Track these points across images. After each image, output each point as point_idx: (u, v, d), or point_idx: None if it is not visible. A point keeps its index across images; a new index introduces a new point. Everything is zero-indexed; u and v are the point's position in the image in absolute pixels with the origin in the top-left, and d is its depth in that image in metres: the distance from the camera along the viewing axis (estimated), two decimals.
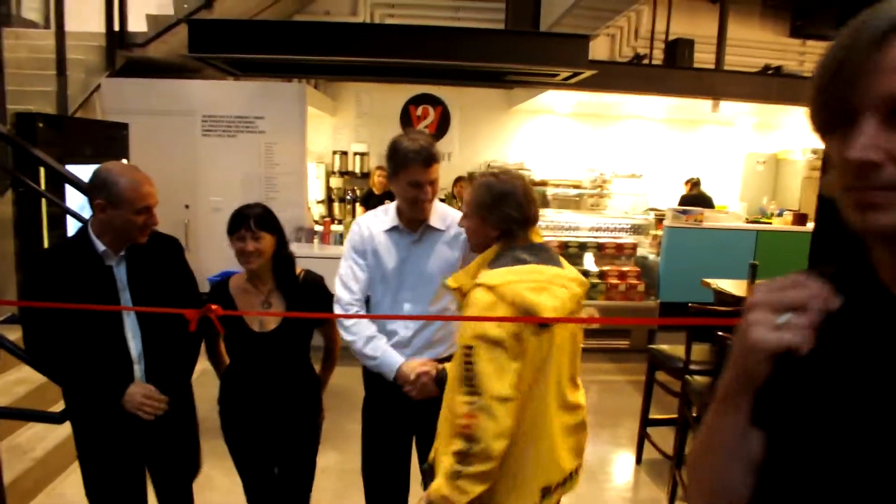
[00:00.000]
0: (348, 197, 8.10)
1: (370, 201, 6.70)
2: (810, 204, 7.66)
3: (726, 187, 9.20)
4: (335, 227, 6.28)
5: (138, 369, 2.18)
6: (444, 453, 1.68)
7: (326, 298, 2.40)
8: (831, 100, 0.69)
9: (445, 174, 4.81)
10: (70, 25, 5.36)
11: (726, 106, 7.33)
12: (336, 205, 8.32)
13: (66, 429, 3.28)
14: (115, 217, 2.08)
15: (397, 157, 2.19)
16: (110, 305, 2.11)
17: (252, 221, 2.22)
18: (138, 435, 2.20)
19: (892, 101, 0.64)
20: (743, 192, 9.12)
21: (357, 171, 8.41)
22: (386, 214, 2.36)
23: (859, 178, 0.67)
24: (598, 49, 8.85)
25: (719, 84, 6.88)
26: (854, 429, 0.71)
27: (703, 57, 7.95)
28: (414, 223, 2.32)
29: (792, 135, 9.09)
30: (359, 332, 2.28)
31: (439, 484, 1.62)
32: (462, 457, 1.59)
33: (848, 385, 0.73)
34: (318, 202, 8.19)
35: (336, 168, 8.45)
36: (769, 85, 7.17)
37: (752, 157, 9.20)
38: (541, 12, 6.04)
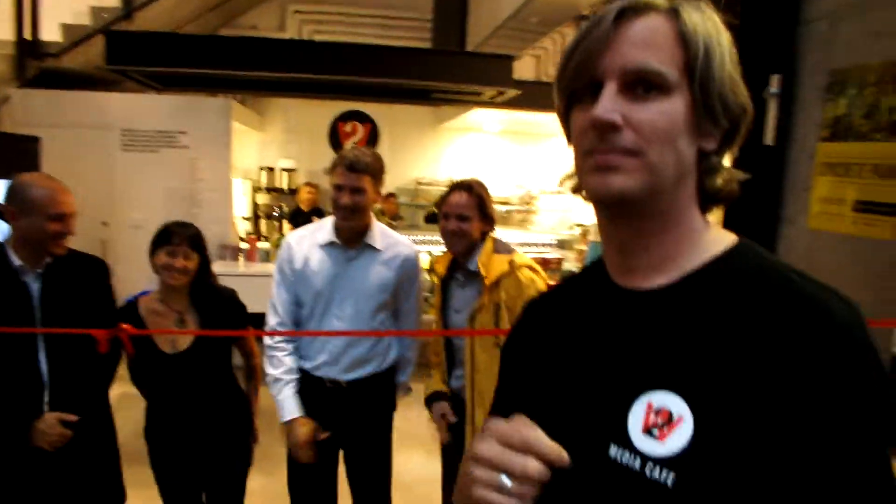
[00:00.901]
0: (275, 213, 7.98)
1: (298, 218, 6.62)
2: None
3: None
4: (261, 245, 6.17)
5: (46, 394, 2.08)
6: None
7: (241, 311, 2.36)
8: (579, 73, 0.74)
9: None
10: None
11: None
12: (262, 221, 8.18)
13: None
14: (27, 226, 2.02)
15: (332, 163, 2.24)
16: (19, 324, 2.01)
17: (185, 239, 2.18)
18: (54, 465, 2.10)
19: (627, 72, 0.71)
20: None
21: (284, 187, 8.30)
22: (321, 230, 2.34)
23: (601, 139, 0.71)
24: (525, 69, 9.07)
25: None
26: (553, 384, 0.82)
27: None
28: (351, 239, 2.30)
29: None
30: (272, 369, 2.31)
31: None
32: None
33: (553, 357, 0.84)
34: (244, 219, 8.03)
35: (263, 184, 8.32)
36: None
37: None
38: (467, 32, 6.15)
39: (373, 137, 8.51)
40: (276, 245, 6.28)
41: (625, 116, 0.70)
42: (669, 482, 0.66)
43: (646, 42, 0.71)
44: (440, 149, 9.11)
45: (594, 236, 6.44)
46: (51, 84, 5.88)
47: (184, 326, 2.25)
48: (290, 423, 2.26)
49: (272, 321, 2.34)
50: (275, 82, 5.71)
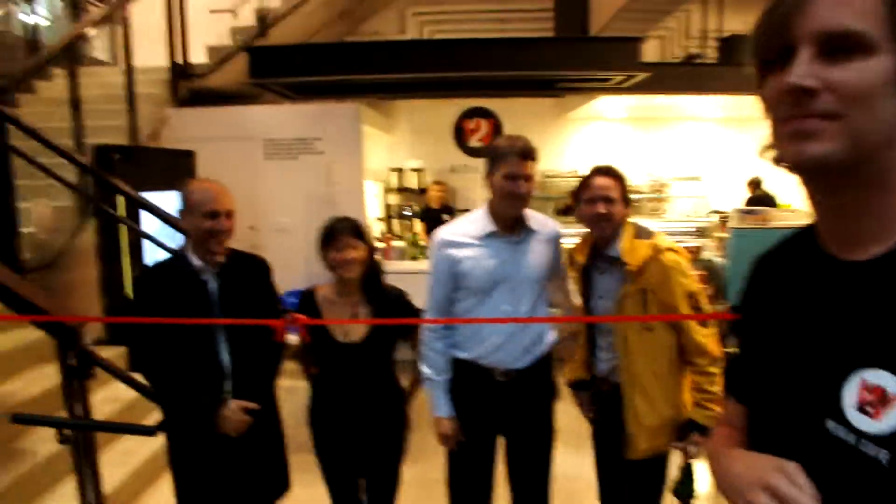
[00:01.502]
0: (406, 213, 8.19)
1: (429, 216, 6.77)
2: None
3: (790, 185, 8.91)
4: (396, 244, 6.36)
5: (228, 384, 2.26)
6: (672, 394, 2.19)
7: (410, 311, 2.47)
8: (772, 37, 0.73)
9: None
10: (136, 61, 5.62)
11: None
12: (395, 221, 8.42)
13: (150, 446, 3.41)
14: (190, 226, 2.23)
15: (494, 154, 2.26)
16: (202, 319, 2.21)
17: (347, 231, 2.32)
18: (229, 450, 2.27)
19: (823, 35, 0.69)
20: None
21: (414, 186, 8.51)
22: (474, 223, 2.34)
23: (796, 104, 0.70)
24: (649, 51, 8.75)
25: None
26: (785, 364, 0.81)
27: None
28: (510, 226, 2.31)
29: None
30: (425, 368, 2.41)
31: (715, 408, 2.08)
32: (715, 373, 2.12)
33: (783, 338, 0.82)
34: (378, 219, 8.31)
35: (393, 185, 8.57)
36: None
37: None
38: (590, 17, 6.02)
39: (496, 133, 8.53)
40: (411, 243, 6.46)
41: (822, 80, 0.68)
42: (884, 460, 0.66)
43: (842, 0, 0.69)
44: (563, 140, 8.98)
45: (735, 223, 6.11)
46: (200, 102, 6.38)
47: (359, 318, 2.37)
48: (441, 420, 2.37)
49: (429, 316, 2.41)
50: (400, 84, 5.87)
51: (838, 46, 0.68)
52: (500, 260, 2.29)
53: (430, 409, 2.40)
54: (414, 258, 6.12)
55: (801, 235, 0.88)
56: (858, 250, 0.75)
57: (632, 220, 2.29)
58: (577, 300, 2.49)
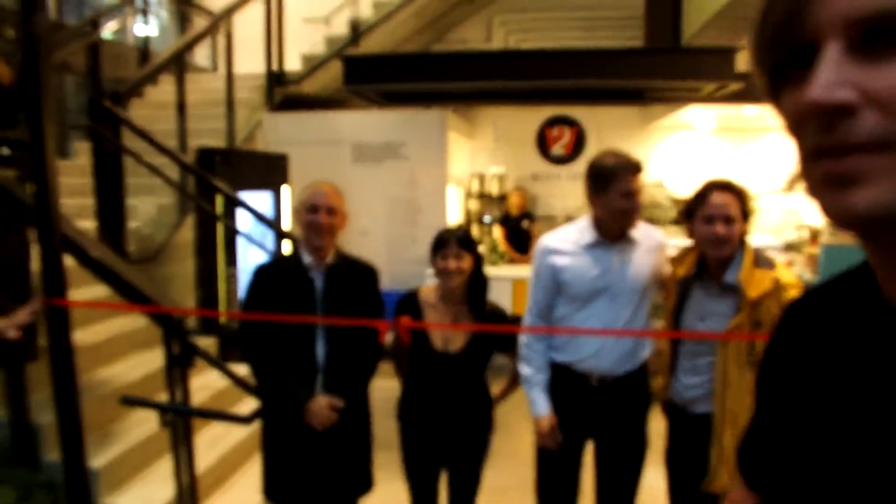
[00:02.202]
0: (485, 219, 8.25)
1: (509, 222, 6.81)
2: None
3: None
4: None
5: (320, 379, 2.38)
6: None
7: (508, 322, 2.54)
8: (782, 30, 0.51)
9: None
10: (235, 69, 5.93)
11: None
12: (474, 226, 8.49)
13: (239, 434, 3.60)
14: (298, 221, 2.43)
15: (605, 173, 2.27)
16: (306, 314, 2.33)
17: (456, 241, 2.38)
18: (318, 443, 2.37)
19: (857, 21, 0.46)
20: None
21: (494, 193, 8.56)
22: (581, 232, 2.39)
23: (827, 129, 0.48)
24: (741, 60, 8.50)
25: None
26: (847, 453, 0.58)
27: None
28: (615, 237, 2.34)
29: None
30: (525, 367, 2.44)
31: None
32: None
33: (844, 416, 0.59)
34: (459, 224, 8.41)
35: (474, 190, 8.64)
36: None
37: None
38: (682, 25, 5.91)
39: (579, 141, 8.48)
40: (490, 249, 6.52)
41: (861, 89, 0.46)
42: None
43: None
44: (648, 149, 8.82)
45: (827, 238, 5.85)
46: (293, 107, 6.66)
47: (457, 328, 2.44)
48: (540, 418, 2.39)
49: (528, 321, 2.46)
50: (486, 92, 5.94)
51: (880, 37, 0.46)
52: (602, 270, 2.32)
53: (528, 409, 2.45)
54: (493, 264, 6.17)
55: (854, 281, 0.65)
56: None
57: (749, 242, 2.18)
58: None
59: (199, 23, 6.73)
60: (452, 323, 2.44)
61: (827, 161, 0.49)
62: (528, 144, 8.41)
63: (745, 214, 2.10)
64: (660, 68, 5.06)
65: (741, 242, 2.11)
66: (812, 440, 0.61)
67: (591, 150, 8.45)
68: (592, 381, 2.36)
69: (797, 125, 0.51)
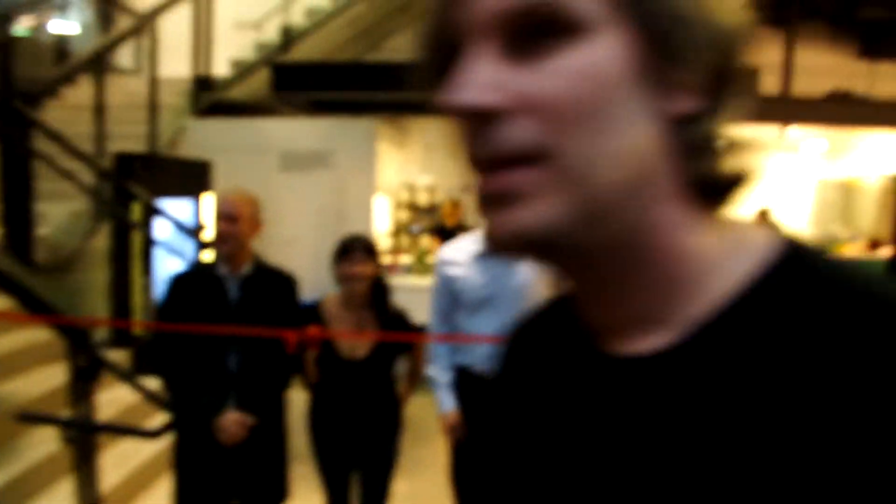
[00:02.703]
0: (415, 229, 8.28)
1: (443, 234, 6.87)
2: (886, 230, 7.39)
3: (797, 215, 8.95)
4: (402, 259, 6.44)
5: (232, 392, 2.34)
6: None
7: (411, 330, 2.62)
8: (434, 37, 0.46)
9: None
10: (160, 71, 5.77)
11: (794, 132, 7.18)
12: (403, 237, 8.51)
13: (149, 449, 3.49)
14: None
15: None
16: (219, 324, 2.29)
17: (358, 248, 2.45)
18: (230, 456, 2.34)
19: (512, 16, 0.41)
20: (815, 219, 8.86)
21: (424, 204, 8.60)
22: (473, 243, 2.57)
23: (477, 140, 0.42)
24: None
25: (787, 110, 6.76)
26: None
27: (769, 81, 7.82)
28: None
29: (865, 160, 8.81)
30: (431, 369, 2.63)
31: None
32: None
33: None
34: (387, 234, 8.41)
35: (404, 201, 8.66)
36: (839, 109, 7.00)
37: (823, 183, 8.94)
38: None
39: None
40: (419, 259, 6.53)
41: (512, 93, 0.41)
42: None
43: None
44: None
45: None
46: (220, 113, 6.52)
47: (361, 333, 2.50)
48: (447, 414, 2.58)
49: (432, 326, 2.65)
50: (415, 103, 5.98)
51: (532, 33, 0.40)
52: (489, 279, 2.49)
53: (437, 407, 2.62)
54: (421, 274, 6.20)
55: (559, 309, 0.58)
56: (633, 342, 0.47)
57: None
58: None
59: (124, 23, 6.52)
60: (356, 329, 2.49)
61: (480, 175, 0.43)
62: (460, 155, 8.49)
63: None
64: None
65: None
66: (517, 474, 0.56)
67: None
68: (486, 380, 2.54)
69: (457, 134, 0.45)
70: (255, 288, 2.39)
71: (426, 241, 7.18)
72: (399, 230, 8.59)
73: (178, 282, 2.43)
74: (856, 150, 8.83)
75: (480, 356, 2.53)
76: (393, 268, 6.20)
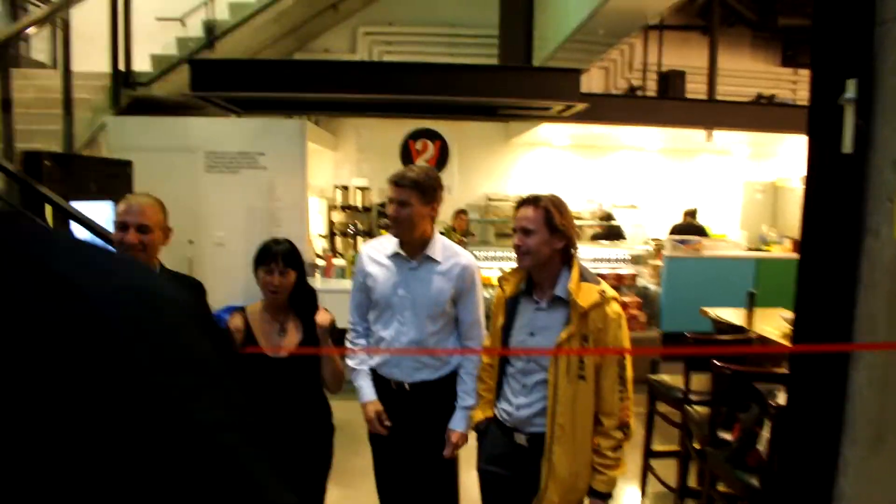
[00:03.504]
0: (349, 231, 8.17)
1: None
2: None
3: (726, 216, 9.27)
4: (337, 261, 6.34)
5: None
6: (590, 449, 2.14)
7: (333, 328, 2.51)
8: None
9: (446, 207, 4.88)
10: (77, 66, 5.48)
11: (721, 135, 7.44)
12: (338, 239, 8.39)
13: None
14: (113, 237, 2.24)
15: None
16: None
17: (280, 257, 2.35)
18: None
19: None
20: (743, 220, 9.19)
21: (359, 205, 8.50)
22: (391, 242, 2.52)
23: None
24: (594, 82, 9.02)
25: (712, 114, 6.99)
26: None
27: (698, 87, 8.09)
28: (411, 251, 2.47)
29: (789, 162, 9.22)
30: (351, 362, 2.59)
31: (609, 474, 2.13)
32: (623, 440, 2.13)
33: None
34: (321, 236, 8.27)
35: (338, 202, 8.54)
36: (763, 114, 7.30)
37: (749, 185, 9.30)
38: (533, 47, 6.18)
39: (443, 154, 8.61)
40: (352, 262, 6.44)
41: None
42: None
43: None
44: (510, 164, 9.14)
45: (669, 251, 6.31)
46: (142, 111, 6.25)
47: (285, 335, 2.43)
48: (365, 404, 2.52)
49: (350, 320, 2.61)
50: (348, 103, 5.89)
51: None
52: (397, 281, 2.47)
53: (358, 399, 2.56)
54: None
55: None
56: None
57: (577, 253, 2.24)
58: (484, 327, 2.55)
59: (34, 13, 6.16)
60: (280, 329, 2.43)
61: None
62: (393, 156, 8.42)
63: (553, 229, 2.13)
64: (511, 86, 5.25)
65: (564, 258, 2.18)
66: None
67: (454, 164, 8.60)
68: (392, 385, 2.51)
69: None
70: None
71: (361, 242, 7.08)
72: (334, 232, 8.47)
73: None
74: (780, 153, 9.22)
75: (383, 360, 2.51)
76: (328, 271, 6.09)
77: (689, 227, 7.93)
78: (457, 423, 2.48)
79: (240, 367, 0.43)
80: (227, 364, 0.44)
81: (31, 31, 5.24)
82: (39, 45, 7.39)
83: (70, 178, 4.34)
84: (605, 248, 6.91)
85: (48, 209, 3.88)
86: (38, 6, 6.49)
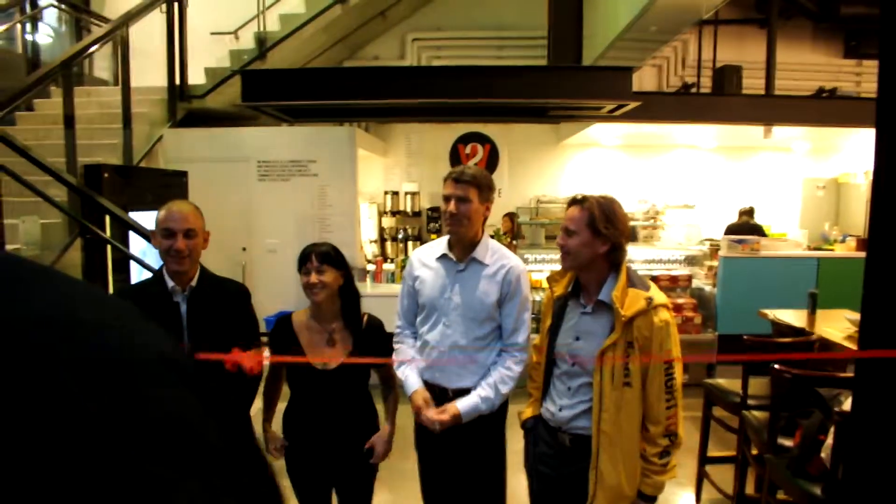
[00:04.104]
0: (399, 236, 8.21)
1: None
2: None
3: (785, 214, 8.94)
4: (387, 266, 6.38)
5: None
6: (637, 455, 2.09)
7: (386, 341, 2.52)
8: None
9: (496, 210, 4.84)
10: (135, 81, 5.68)
11: (780, 131, 7.18)
12: (388, 244, 8.45)
13: None
14: (156, 244, 2.25)
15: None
16: None
17: (315, 256, 2.35)
18: None
19: None
20: (803, 218, 8.85)
21: (408, 210, 8.54)
22: (440, 245, 2.52)
23: None
24: (646, 80, 8.83)
25: (770, 109, 6.75)
26: None
27: (755, 83, 7.83)
28: (461, 253, 2.45)
29: (852, 158, 8.81)
30: (397, 356, 2.56)
31: (656, 479, 2.07)
32: (670, 447, 2.07)
33: None
34: (372, 241, 8.34)
35: (388, 207, 8.60)
36: (824, 108, 7.01)
37: (810, 182, 8.94)
38: (583, 46, 6.09)
39: (493, 157, 8.58)
40: (402, 266, 6.47)
41: None
42: None
43: None
44: (560, 166, 9.03)
45: (725, 252, 6.12)
46: (197, 123, 6.44)
47: (334, 345, 2.40)
48: (413, 394, 2.47)
49: (397, 322, 2.61)
50: (398, 108, 5.92)
51: None
52: (443, 283, 2.44)
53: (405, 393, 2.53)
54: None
55: None
56: None
57: (626, 256, 2.16)
58: (527, 334, 2.49)
59: (96, 31, 6.42)
60: (328, 340, 2.39)
61: None
62: (442, 161, 8.45)
63: (596, 231, 2.07)
64: (561, 86, 5.17)
65: (610, 261, 2.11)
66: None
67: (504, 167, 8.57)
68: (436, 391, 2.47)
69: None
70: (205, 301, 2.29)
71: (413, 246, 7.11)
72: (384, 237, 8.53)
73: (128, 298, 2.34)
74: (843, 149, 8.84)
75: (436, 365, 2.46)
76: (378, 275, 6.13)
77: (746, 227, 7.67)
78: (461, 403, 2.39)
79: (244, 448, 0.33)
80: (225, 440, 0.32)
81: (93, 49, 5.43)
82: (101, 62, 7.70)
83: (128, 189, 4.49)
84: (659, 250, 6.74)
85: (107, 220, 4.02)
86: (100, 25, 6.75)
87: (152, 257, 4.06)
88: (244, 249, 6.11)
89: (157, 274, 2.36)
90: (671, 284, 6.22)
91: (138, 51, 5.74)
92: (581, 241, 2.08)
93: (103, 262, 4.14)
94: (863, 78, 9.07)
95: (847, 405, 2.29)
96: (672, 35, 6.39)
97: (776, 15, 7.94)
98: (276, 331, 2.46)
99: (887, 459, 1.69)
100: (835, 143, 8.53)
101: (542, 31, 7.36)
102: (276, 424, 2.51)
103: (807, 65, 9.02)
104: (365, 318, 2.48)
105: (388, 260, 7.37)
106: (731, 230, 7.63)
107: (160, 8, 6.06)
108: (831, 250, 6.77)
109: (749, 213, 8.04)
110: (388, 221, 8.60)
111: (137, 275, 4.23)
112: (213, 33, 7.61)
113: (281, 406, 2.54)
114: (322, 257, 2.35)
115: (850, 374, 2.66)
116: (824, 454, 2.39)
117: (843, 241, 7.10)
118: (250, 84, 5.19)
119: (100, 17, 7.53)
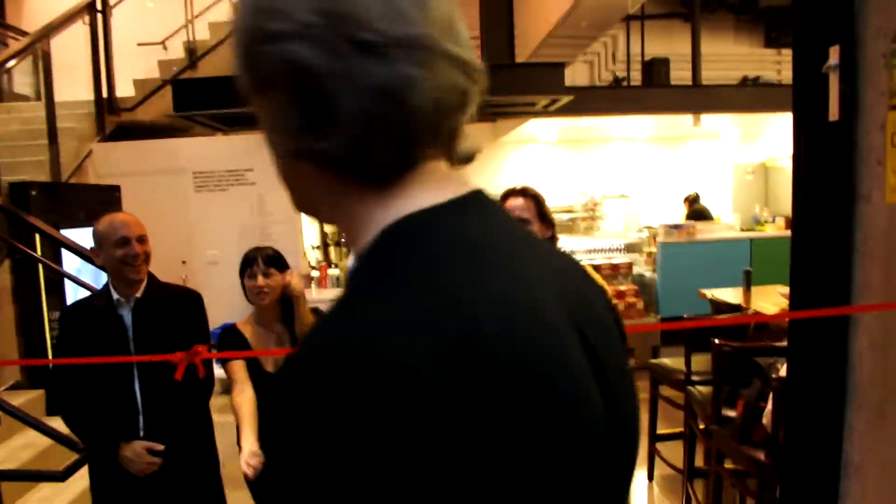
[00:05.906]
0: (343, 240, 8.15)
1: None
2: None
3: (718, 199, 9.27)
4: (332, 272, 6.33)
5: (140, 421, 2.20)
6: None
7: None
8: None
9: None
10: (60, 96, 5.47)
11: (708, 119, 7.45)
12: (332, 248, 8.38)
13: (69, 493, 3.27)
14: (104, 260, 2.20)
15: None
16: (116, 354, 2.16)
17: (262, 259, 2.32)
18: (154, 489, 2.20)
19: None
20: (735, 202, 9.20)
21: None
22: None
23: None
24: (579, 76, 9.03)
25: (698, 98, 7.00)
26: None
27: (683, 74, 8.11)
28: None
29: (778, 142, 9.21)
30: None
31: None
32: None
33: None
34: (315, 247, 8.25)
35: None
36: (748, 95, 7.31)
37: (739, 167, 9.31)
38: (515, 45, 6.19)
39: None
40: (346, 270, 6.43)
41: None
42: None
43: None
44: (499, 163, 9.13)
45: (663, 238, 6.31)
46: (128, 136, 6.24)
47: (284, 346, 2.37)
48: None
49: None
50: None
51: None
52: None
53: None
54: None
55: None
56: None
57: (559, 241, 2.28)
58: None
59: (14, 45, 6.16)
60: (277, 343, 2.37)
61: None
62: None
63: (543, 217, 2.18)
64: (495, 83, 5.22)
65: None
66: None
67: None
68: None
69: None
70: (151, 310, 2.25)
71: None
72: (327, 242, 8.46)
73: (71, 315, 2.31)
74: (768, 134, 9.22)
75: None
76: (322, 281, 6.08)
77: (700, 213, 7.92)
78: None
79: None
80: None
81: (11, 64, 5.21)
82: (22, 78, 7.38)
83: (58, 206, 4.33)
84: (599, 239, 6.91)
85: (37, 239, 3.87)
86: (17, 39, 6.48)
87: (88, 274, 3.93)
88: (184, 263, 5.95)
89: (104, 288, 2.31)
90: (613, 272, 6.38)
91: (62, 64, 5.53)
92: (535, 229, 2.14)
93: (35, 282, 3.98)
94: (783, 66, 9.50)
95: (783, 371, 2.40)
96: (602, 30, 6.57)
97: (699, 8, 8.24)
98: (226, 341, 2.40)
99: (822, 418, 1.78)
100: (761, 128, 8.89)
101: (473, 30, 7.45)
102: (233, 440, 2.47)
103: (731, 55, 9.39)
104: (312, 315, 2.45)
105: (333, 265, 7.32)
106: (691, 217, 7.80)
107: (83, 19, 5.86)
108: (763, 231, 7.06)
109: (696, 199, 8.31)
110: (330, 226, 8.52)
111: (73, 293, 4.09)
112: (140, 44, 7.39)
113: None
114: (269, 260, 2.33)
115: (785, 344, 2.79)
116: (765, 420, 2.50)
117: (773, 222, 7.42)
118: (181, 94, 5.09)
119: (17, 31, 7.23)
